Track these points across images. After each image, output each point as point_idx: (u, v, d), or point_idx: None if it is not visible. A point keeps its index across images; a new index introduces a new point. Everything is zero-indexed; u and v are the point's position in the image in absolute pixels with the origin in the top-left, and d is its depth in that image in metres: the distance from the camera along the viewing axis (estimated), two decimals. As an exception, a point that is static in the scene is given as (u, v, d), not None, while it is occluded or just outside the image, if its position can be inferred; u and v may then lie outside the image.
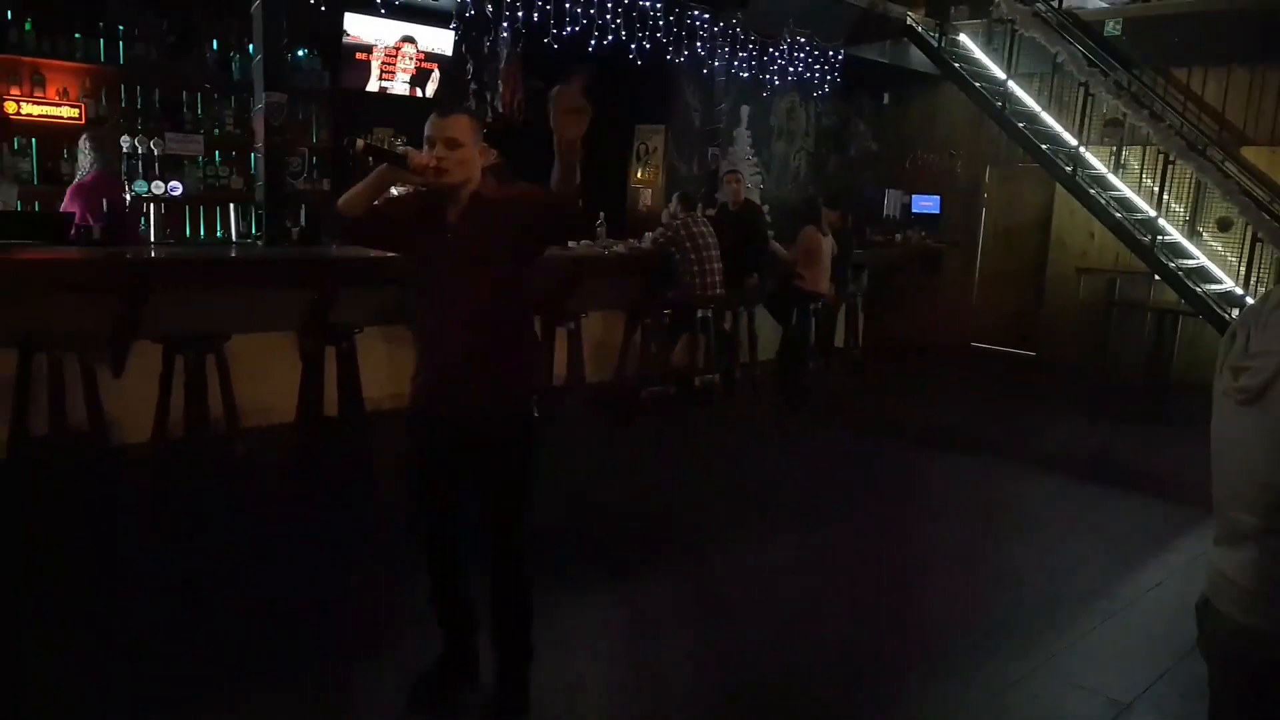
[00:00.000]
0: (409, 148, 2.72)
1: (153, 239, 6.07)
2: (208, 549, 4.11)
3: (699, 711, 3.11)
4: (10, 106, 6.35)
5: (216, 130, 7.06)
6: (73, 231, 5.16)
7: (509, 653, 2.89)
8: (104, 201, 5.37)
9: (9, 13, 6.27)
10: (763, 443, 6.47)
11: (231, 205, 6.85)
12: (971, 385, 8.87)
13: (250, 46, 6.57)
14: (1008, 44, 8.92)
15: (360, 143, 2.75)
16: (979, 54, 9.44)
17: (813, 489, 5.44)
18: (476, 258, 2.68)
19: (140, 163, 6.32)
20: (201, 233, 7.02)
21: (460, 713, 2.92)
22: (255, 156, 6.29)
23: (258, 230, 6.20)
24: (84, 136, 5.48)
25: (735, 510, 4.96)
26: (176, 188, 6.36)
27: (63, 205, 5.41)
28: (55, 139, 6.53)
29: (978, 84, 8.90)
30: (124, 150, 6.33)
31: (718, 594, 3.97)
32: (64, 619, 3.38)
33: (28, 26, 6.34)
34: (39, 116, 6.45)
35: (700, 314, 6.93)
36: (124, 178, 6.21)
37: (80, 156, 5.40)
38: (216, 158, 7.07)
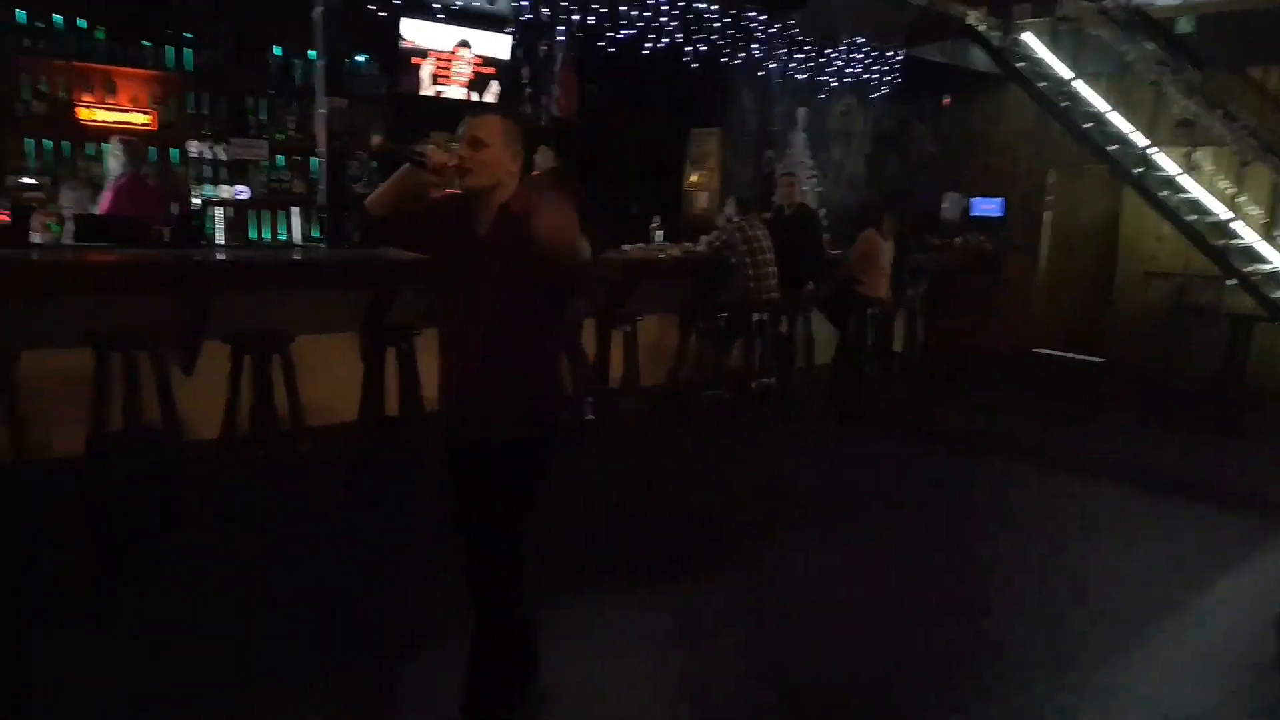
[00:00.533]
0: (430, 146, 2.60)
1: (220, 241, 6.20)
2: (271, 544, 4.17)
3: (746, 717, 3.08)
4: (84, 113, 6.55)
5: (280, 135, 7.21)
6: (139, 233, 5.31)
7: (474, 682, 2.74)
8: (155, 204, 5.52)
9: (83, 21, 6.48)
10: (818, 448, 6.40)
11: (294, 208, 6.97)
12: (1033, 391, 8.67)
13: (311, 53, 6.70)
14: (1073, 43, 8.72)
15: (377, 140, 2.73)
16: (1043, 53, 9.23)
17: (869, 496, 5.36)
18: (496, 274, 2.59)
19: (207, 167, 6.47)
20: (266, 235, 7.16)
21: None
22: (317, 160, 6.39)
23: (320, 233, 6.30)
24: (114, 140, 5.63)
25: (790, 515, 4.91)
26: (242, 191, 6.50)
27: (101, 208, 5.55)
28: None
29: (1041, 84, 8.71)
30: (191, 155, 6.49)
31: (771, 599, 3.93)
32: (139, 609, 3.46)
33: (100, 34, 6.54)
34: (111, 122, 6.64)
35: (756, 318, 6.88)
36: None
37: (111, 160, 5.55)
38: (279, 162, 7.21)
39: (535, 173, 5.93)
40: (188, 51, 6.84)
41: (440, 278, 2.74)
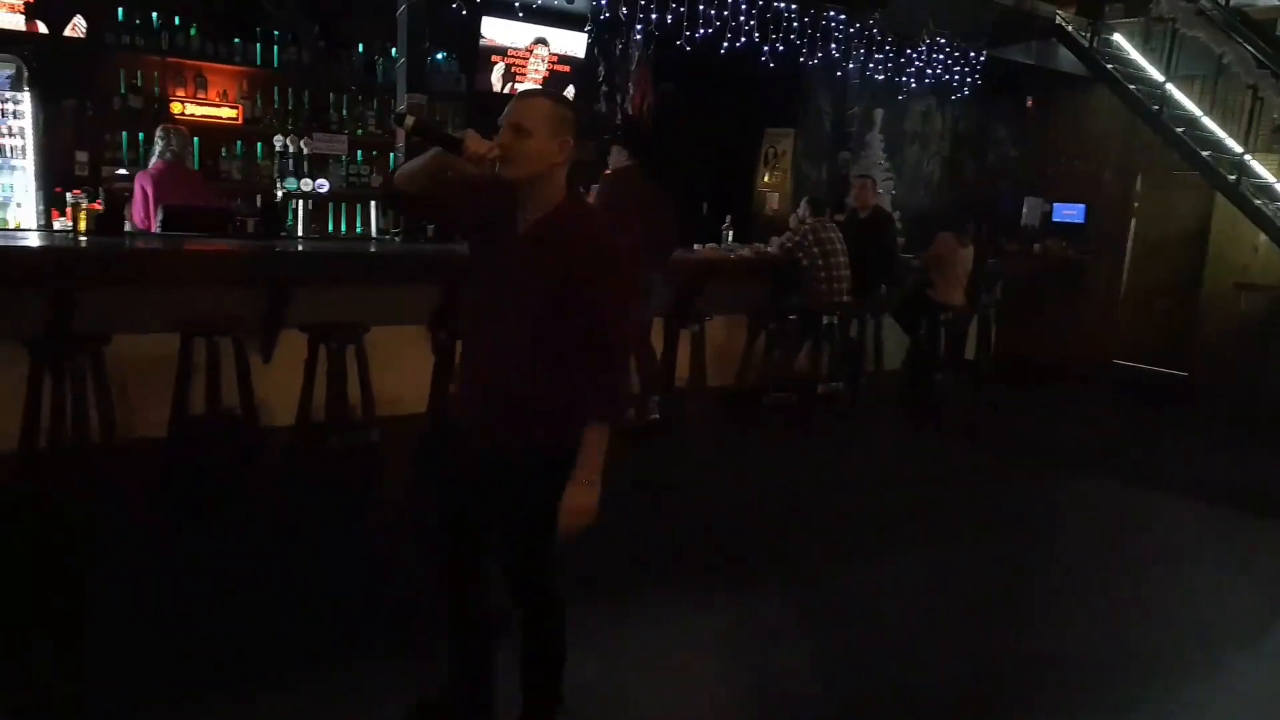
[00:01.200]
0: (470, 131, 2.30)
1: (300, 233, 6.37)
2: (341, 530, 4.27)
3: (805, 709, 3.05)
4: (176, 107, 6.79)
5: (359, 130, 7.38)
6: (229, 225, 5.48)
7: (532, 700, 2.60)
8: (197, 191, 5.72)
9: (177, 18, 6.72)
10: (886, 455, 6.30)
11: (372, 202, 7.13)
12: (1113, 405, 8.40)
13: (393, 50, 6.83)
14: (1167, 44, 8.41)
15: (410, 120, 2.40)
16: (1134, 54, 8.94)
17: (937, 506, 5.25)
18: (524, 283, 2.34)
19: (290, 161, 6.65)
20: (344, 228, 7.35)
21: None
22: (395, 156, 6.52)
23: (396, 227, 6.44)
24: (160, 127, 5.81)
25: (855, 523, 4.83)
26: (323, 185, 6.66)
27: (134, 193, 5.70)
28: (215, 138, 6.95)
29: (1132, 86, 8.43)
30: (275, 149, 6.68)
31: (834, 608, 3.87)
32: (216, 588, 3.58)
33: (193, 31, 6.78)
34: (200, 117, 6.88)
35: (826, 321, 6.80)
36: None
37: (156, 144, 5.73)
38: (359, 157, 7.39)
39: (608, 171, 5.96)
40: (275, 49, 7.04)
41: (473, 265, 2.48)
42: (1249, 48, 7.76)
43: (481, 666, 2.64)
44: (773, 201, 9.24)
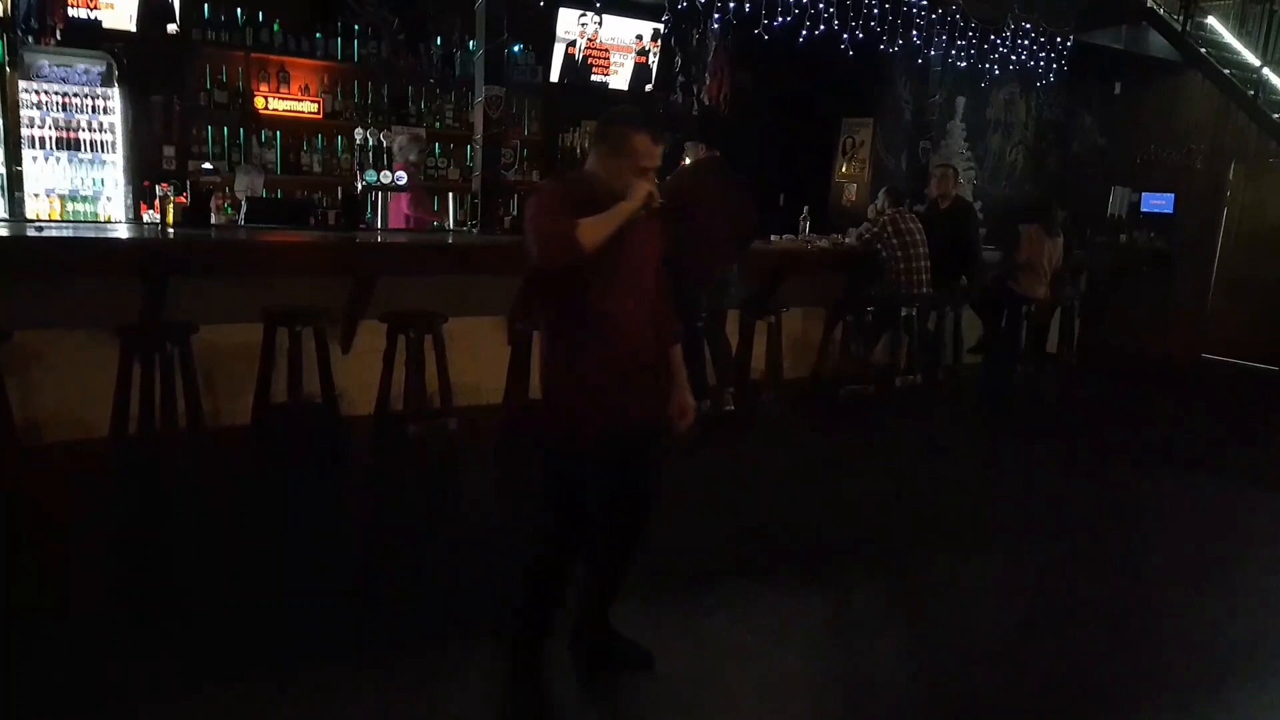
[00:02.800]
0: (642, 186, 2.57)
1: (379, 226, 6.46)
2: (420, 517, 4.31)
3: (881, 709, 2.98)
4: (259, 102, 6.94)
5: (437, 124, 7.45)
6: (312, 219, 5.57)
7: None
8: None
9: (261, 14, 6.85)
10: (966, 449, 6.13)
11: (450, 194, 7.19)
12: (1202, 400, 8.06)
13: (471, 43, 6.87)
14: (1264, 26, 8.04)
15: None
16: (1229, 38, 8.56)
17: (1020, 502, 5.08)
18: (647, 261, 2.72)
19: (370, 154, 6.74)
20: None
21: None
22: (472, 148, 6.56)
23: (473, 218, 6.48)
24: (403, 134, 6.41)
25: (938, 519, 4.71)
26: (401, 177, 6.74)
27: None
28: (297, 132, 7.09)
29: (1226, 70, 8.07)
30: (356, 142, 6.78)
31: (918, 607, 3.77)
32: (299, 571, 3.64)
33: (276, 27, 6.91)
34: (283, 111, 7.02)
35: (904, 312, 6.66)
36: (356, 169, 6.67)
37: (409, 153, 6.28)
38: (436, 150, 7.45)
39: (685, 160, 5.91)
40: (355, 43, 7.14)
41: (594, 276, 2.57)
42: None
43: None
44: (850, 192, 9.08)
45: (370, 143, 6.70)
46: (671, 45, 7.79)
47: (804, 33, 6.76)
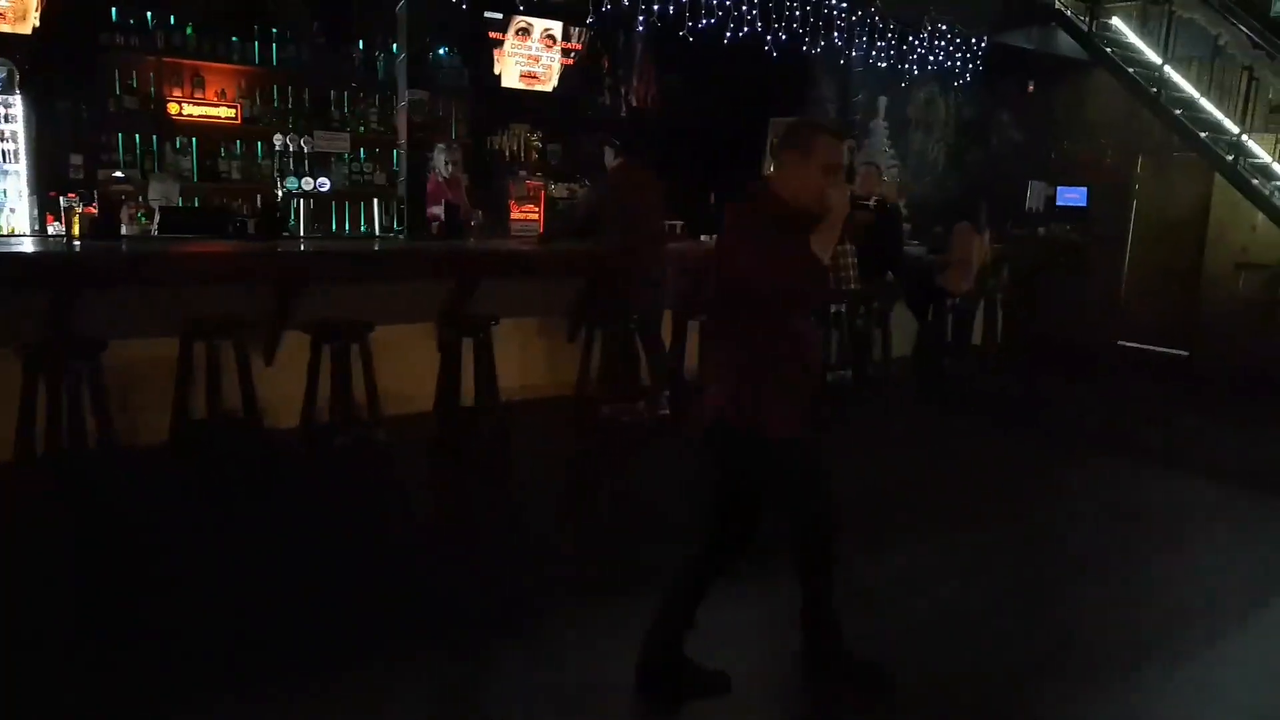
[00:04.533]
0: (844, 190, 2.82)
1: (301, 233, 6.31)
2: (348, 531, 4.21)
3: (832, 709, 3.04)
4: (173, 107, 6.72)
5: (362, 128, 7.31)
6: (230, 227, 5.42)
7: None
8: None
9: (173, 17, 6.64)
10: (897, 441, 6.25)
11: (375, 200, 7.06)
12: (1118, 386, 8.37)
13: (395, 45, 6.76)
14: (1164, 26, 8.36)
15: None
16: (1132, 38, 8.89)
17: (948, 490, 5.21)
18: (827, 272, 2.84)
19: (290, 160, 6.58)
20: (347, 227, 7.28)
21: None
22: (398, 152, 6.46)
23: (399, 224, 6.38)
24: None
25: (870, 510, 4.77)
26: (324, 183, 6.60)
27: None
28: (214, 138, 6.88)
29: (1130, 69, 8.38)
30: (276, 148, 6.61)
31: (855, 596, 3.83)
32: (208, 598, 3.52)
33: (189, 30, 6.70)
34: (199, 117, 6.81)
35: (833, 309, 6.75)
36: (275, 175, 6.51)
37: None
38: (361, 154, 7.32)
39: (610, 167, 5.92)
40: (274, 46, 6.96)
41: (788, 289, 2.77)
42: (1244, 28, 7.72)
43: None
44: (777, 192, 9.17)
45: (291, 148, 6.55)
46: (598, 48, 7.78)
47: (728, 35, 6.81)
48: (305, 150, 6.59)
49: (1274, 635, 3.65)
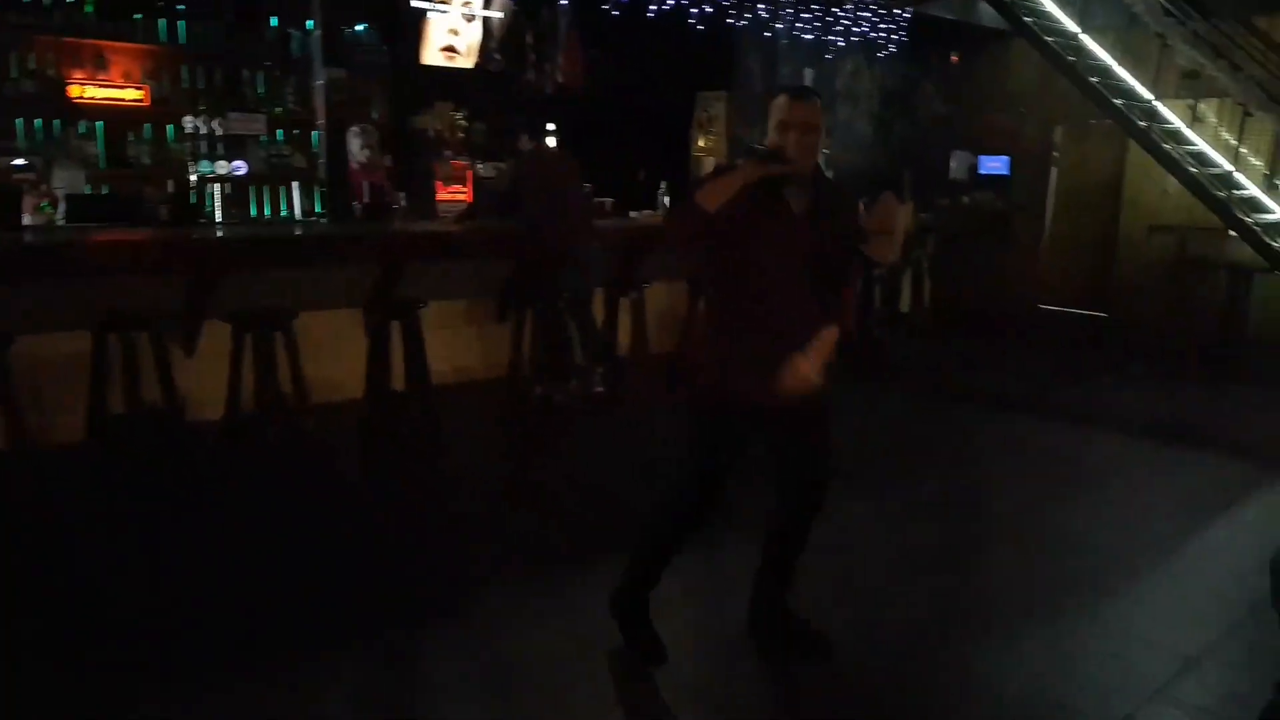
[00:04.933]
0: (772, 140, 2.68)
1: (218, 219, 6.10)
2: (279, 523, 4.13)
3: (769, 670, 3.10)
4: (75, 90, 6.41)
5: (278, 109, 7.06)
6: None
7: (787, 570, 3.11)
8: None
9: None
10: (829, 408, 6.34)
11: (295, 183, 6.86)
12: (1041, 347, 8.63)
13: (310, 22, 6.55)
14: (1081, -4, 8.52)
15: (754, 148, 2.84)
16: (1050, 7, 9.02)
17: (880, 454, 5.33)
18: (810, 252, 2.75)
19: (204, 143, 6.35)
20: (267, 212, 7.06)
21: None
22: (317, 134, 6.28)
23: (321, 208, 6.21)
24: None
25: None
26: (240, 167, 6.38)
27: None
28: (121, 121, 6.59)
29: (1049, 39, 8.53)
30: (187, 130, 6.37)
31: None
32: (133, 596, 3.42)
33: (89, 8, 6.38)
34: (103, 99, 6.51)
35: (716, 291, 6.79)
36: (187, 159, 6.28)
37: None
38: (279, 136, 7.08)
39: (523, 151, 5.87)
40: (180, 24, 6.68)
41: (736, 258, 2.77)
42: (1157, -3, 7.91)
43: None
44: (707, 166, 9.18)
45: (203, 131, 6.31)
46: (521, 23, 7.64)
47: (652, 8, 6.75)
48: (218, 133, 6.35)
49: (1188, 576, 3.85)
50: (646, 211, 7.02)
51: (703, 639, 3.31)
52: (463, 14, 7.43)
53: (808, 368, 2.70)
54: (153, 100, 6.63)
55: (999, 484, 4.95)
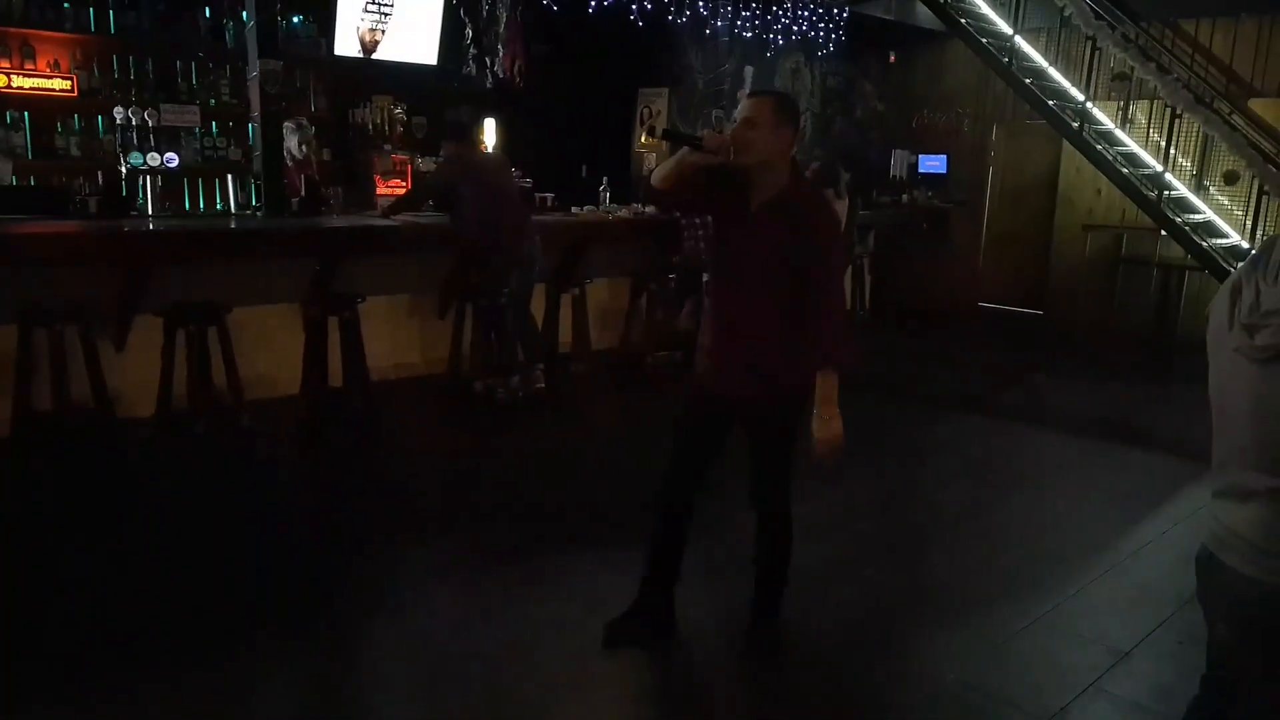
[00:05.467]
0: (706, 131, 2.87)
1: (150, 212, 5.97)
2: (213, 520, 4.07)
3: (711, 659, 3.17)
4: (0, 80, 6.24)
5: (212, 100, 6.94)
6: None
7: (769, 584, 3.14)
8: None
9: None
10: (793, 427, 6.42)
11: (230, 176, 6.74)
12: (979, 345, 8.80)
13: (245, 13, 6.44)
14: (1015, -2, 8.73)
15: (660, 129, 2.97)
16: (985, 9, 9.22)
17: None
18: (761, 255, 2.78)
19: (135, 134, 6.21)
20: (201, 205, 6.93)
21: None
22: (253, 126, 6.19)
23: (257, 201, 6.12)
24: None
25: (741, 471, 4.92)
26: (172, 159, 6.26)
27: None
28: (48, 112, 6.42)
29: (984, 40, 8.72)
30: (118, 122, 6.22)
31: (736, 555, 3.93)
32: (66, 595, 3.36)
33: (16, -4, 6.21)
34: (30, 90, 6.34)
35: (705, 278, 6.84)
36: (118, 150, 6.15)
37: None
38: (214, 128, 6.96)
39: (449, 153, 5.86)
40: (110, 13, 6.53)
41: (713, 243, 2.98)
42: (1087, 0, 8.13)
43: (673, 577, 3.17)
44: (650, 161, 9.19)
45: (134, 122, 6.17)
46: (461, 17, 7.59)
47: (593, 4, 6.76)
48: (150, 124, 6.21)
49: (1121, 572, 3.92)
50: (589, 207, 7.03)
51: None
52: (397, 9, 7.35)
53: (827, 432, 2.79)
54: (81, 91, 6.48)
55: (940, 481, 5.02)
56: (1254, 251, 1.67)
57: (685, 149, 2.75)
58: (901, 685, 3.05)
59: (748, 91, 3.00)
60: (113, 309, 4.79)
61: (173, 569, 3.59)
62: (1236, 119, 7.73)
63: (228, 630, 3.15)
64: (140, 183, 6.05)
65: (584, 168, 7.62)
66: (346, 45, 7.22)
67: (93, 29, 6.49)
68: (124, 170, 6.03)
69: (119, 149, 6.18)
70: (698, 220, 6.61)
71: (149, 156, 6.04)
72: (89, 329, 4.48)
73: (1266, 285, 1.58)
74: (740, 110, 2.77)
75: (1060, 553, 4.06)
